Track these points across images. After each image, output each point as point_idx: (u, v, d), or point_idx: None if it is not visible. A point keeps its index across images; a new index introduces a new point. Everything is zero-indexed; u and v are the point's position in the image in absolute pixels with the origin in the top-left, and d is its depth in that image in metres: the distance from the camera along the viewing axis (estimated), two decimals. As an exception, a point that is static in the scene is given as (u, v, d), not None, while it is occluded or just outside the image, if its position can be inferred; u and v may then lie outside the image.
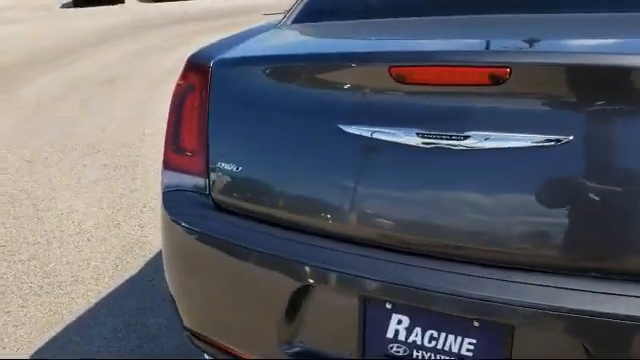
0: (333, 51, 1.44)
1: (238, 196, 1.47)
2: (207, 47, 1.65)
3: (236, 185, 1.47)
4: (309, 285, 1.30)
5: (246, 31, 1.79)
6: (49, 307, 2.58)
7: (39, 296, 2.67)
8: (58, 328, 2.43)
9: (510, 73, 1.10)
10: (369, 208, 1.27)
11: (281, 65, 1.42)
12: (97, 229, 3.31)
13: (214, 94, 1.50)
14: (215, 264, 1.49)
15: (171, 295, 1.69)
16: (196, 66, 1.56)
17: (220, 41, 1.70)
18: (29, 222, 3.44)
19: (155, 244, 3.10)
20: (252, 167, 1.45)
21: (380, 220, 1.25)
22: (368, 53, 1.32)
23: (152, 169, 4.19)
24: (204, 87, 1.52)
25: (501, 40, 1.39)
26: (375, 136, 1.23)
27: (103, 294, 2.65)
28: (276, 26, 1.88)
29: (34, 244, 3.18)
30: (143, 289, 2.67)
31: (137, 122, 5.41)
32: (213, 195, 1.50)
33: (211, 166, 1.50)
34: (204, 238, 1.47)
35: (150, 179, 4.01)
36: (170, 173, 1.60)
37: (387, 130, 1.22)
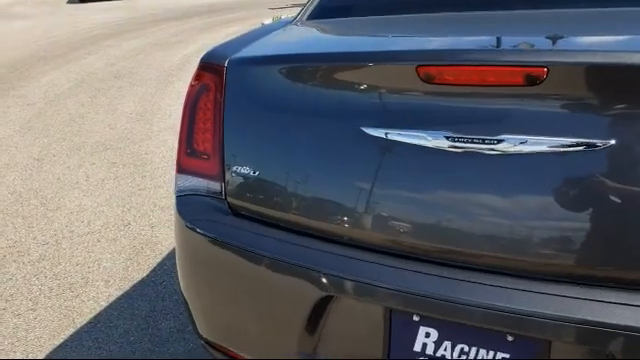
0: (356, 50, 1.37)
1: (255, 201, 1.41)
2: (221, 46, 1.59)
3: (253, 189, 1.41)
4: (332, 295, 1.25)
5: (260, 28, 1.73)
6: (59, 310, 2.54)
7: (49, 298, 2.63)
8: (69, 332, 2.39)
9: (547, 73, 1.04)
10: (394, 215, 1.21)
11: (300, 64, 1.36)
12: (107, 229, 3.26)
13: (229, 94, 1.45)
14: (232, 272, 1.43)
15: (185, 300, 1.64)
16: (210, 66, 1.50)
17: (234, 39, 1.64)
18: (38, 222, 3.40)
19: (165, 244, 3.06)
20: (269, 170, 1.39)
21: (406, 228, 1.19)
22: (394, 52, 1.26)
23: (161, 167, 4.14)
24: (219, 87, 1.46)
25: (534, 38, 1.32)
26: (400, 139, 1.17)
27: (114, 297, 2.61)
28: (291, 23, 1.82)
29: (44, 244, 3.14)
30: (154, 291, 2.62)
31: (145, 119, 5.37)
32: (229, 199, 1.45)
33: (226, 169, 1.44)
34: (220, 245, 1.42)
35: (159, 177, 3.97)
36: (184, 177, 1.54)
37: (413, 133, 1.16)
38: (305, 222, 1.32)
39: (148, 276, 2.77)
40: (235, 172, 1.42)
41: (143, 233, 3.20)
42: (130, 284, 2.70)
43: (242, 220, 1.42)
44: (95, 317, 2.47)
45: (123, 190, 3.80)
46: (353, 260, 1.23)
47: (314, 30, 1.73)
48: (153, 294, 2.60)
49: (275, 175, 1.38)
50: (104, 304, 2.56)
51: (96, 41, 10.09)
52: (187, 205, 1.52)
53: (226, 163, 1.44)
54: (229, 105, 1.44)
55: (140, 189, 3.80)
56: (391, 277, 1.18)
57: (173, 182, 1.59)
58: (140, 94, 6.26)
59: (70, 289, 2.70)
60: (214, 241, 1.43)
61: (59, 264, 2.92)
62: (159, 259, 2.92)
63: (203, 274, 1.53)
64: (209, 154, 1.48)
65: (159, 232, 3.20)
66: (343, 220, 1.26)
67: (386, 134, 1.18)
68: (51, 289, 2.71)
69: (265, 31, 1.66)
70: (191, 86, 1.53)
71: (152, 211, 3.47)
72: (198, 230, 1.45)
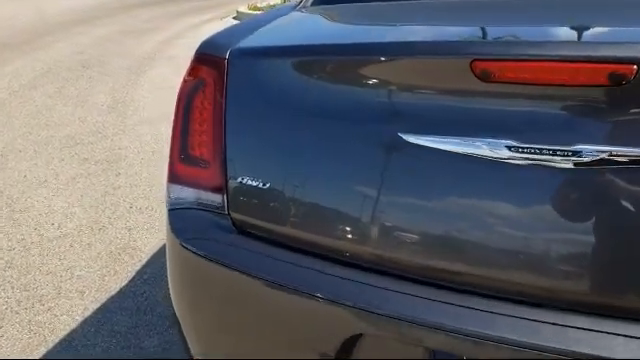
0: (391, 40, 1.16)
1: (264, 216, 1.21)
2: (219, 34, 1.36)
3: (262, 203, 1.21)
4: (361, 334, 1.05)
5: (262, 15, 1.51)
6: (29, 326, 2.29)
7: (17, 313, 2.38)
8: (40, 351, 2.15)
9: (637, 72, 0.85)
10: (439, 239, 1.02)
11: (319, 57, 1.15)
12: (80, 233, 3.01)
13: (232, 91, 1.23)
14: (237, 299, 1.22)
15: (177, 320, 1.42)
16: (208, 58, 1.28)
17: (234, 27, 1.42)
18: (3, 225, 3.12)
19: (145, 250, 2.82)
20: (281, 180, 1.18)
21: (454, 254, 1.00)
22: (442, 43, 1.05)
23: (137, 163, 3.88)
24: (219, 83, 1.25)
25: (616, 27, 1.12)
26: (447, 147, 0.98)
27: (90, 310, 2.37)
28: (295, 8, 1.60)
29: (9, 250, 2.87)
30: (135, 304, 2.39)
31: (118, 111, 5.08)
32: (232, 214, 1.24)
33: (229, 179, 1.23)
34: (223, 268, 1.20)
35: (135, 175, 3.72)
36: (178, 187, 1.32)
37: (465, 141, 0.96)
38: (328, 244, 1.12)
39: (127, 286, 2.53)
40: (240, 182, 1.21)
41: (120, 237, 2.95)
42: (108, 295, 2.46)
43: (248, 239, 1.21)
44: (70, 334, 2.23)
45: (96, 189, 3.53)
46: (389, 292, 1.04)
47: (327, 17, 1.51)
48: (134, 307, 2.37)
49: (289, 186, 1.17)
50: (79, 319, 2.32)
51: (63, 27, 9.64)
52: (182, 220, 1.30)
53: (229, 172, 1.23)
54: (232, 104, 1.23)
55: (115, 188, 3.54)
56: (436, 313, 0.99)
57: (164, 191, 1.37)
58: (111, 84, 5.95)
59: (40, 301, 2.45)
60: (215, 264, 1.21)
61: (28, 273, 2.66)
62: (138, 267, 2.69)
63: (202, 299, 1.31)
64: (208, 161, 1.27)
65: (137, 236, 2.96)
66: (375, 243, 1.06)
67: (430, 143, 0.98)
68: (19, 302, 2.45)
69: (267, 18, 1.44)
70: (185, 82, 1.31)
71: (129, 212, 3.22)
72: (196, 251, 1.24)
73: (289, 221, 1.17)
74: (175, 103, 1.34)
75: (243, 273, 1.16)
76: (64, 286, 2.55)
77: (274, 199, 1.18)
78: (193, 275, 1.29)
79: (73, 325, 2.28)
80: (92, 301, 2.43)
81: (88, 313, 2.35)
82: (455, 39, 1.10)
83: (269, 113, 1.20)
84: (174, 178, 1.33)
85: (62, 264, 2.72)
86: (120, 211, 3.23)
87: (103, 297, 2.45)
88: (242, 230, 1.23)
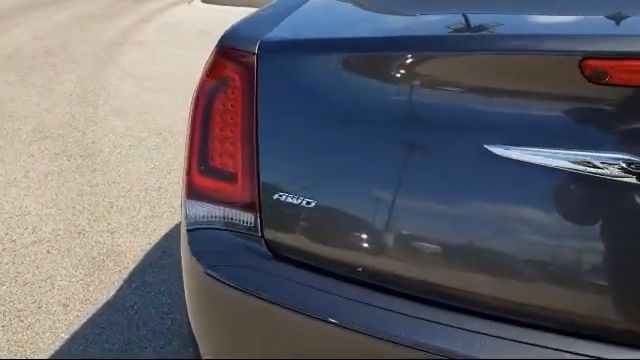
0: (470, 33, 0.99)
1: (306, 240, 1.03)
2: (244, 23, 1.17)
3: (303, 223, 1.03)
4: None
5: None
6: (7, 347, 2.07)
7: (-7, 331, 2.15)
8: (22, 375, 1.94)
9: None
10: (529, 271, 0.87)
11: (375, 54, 0.97)
12: (57, 237, 2.77)
13: (264, 91, 1.05)
14: (273, 335, 1.05)
15: (194, 340, 1.23)
16: (234, 52, 1.09)
17: (259, 13, 1.22)
18: (-30, 229, 2.86)
19: (130, 256, 2.61)
20: (330, 197, 1.01)
21: (554, 290, 0.85)
22: (541, 37, 0.88)
23: (113, 158, 3.64)
24: (248, 82, 1.06)
25: None
26: (547, 162, 0.82)
27: (76, 326, 2.16)
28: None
29: (-21, 258, 2.62)
30: (126, 318, 2.19)
31: (88, 101, 4.78)
32: (267, 237, 1.06)
33: (264, 195, 1.05)
34: (259, 301, 1.03)
35: (112, 171, 3.47)
36: (197, 204, 1.13)
37: (569, 155, 0.81)
38: (385, 272, 0.95)
39: (115, 297, 2.32)
40: (277, 199, 1.03)
41: (102, 241, 2.73)
42: (94, 308, 2.25)
43: (288, 266, 1.04)
44: (55, 355, 2.02)
45: (71, 187, 3.28)
46: (464, 332, 0.88)
47: (371, 4, 1.30)
48: (124, 321, 2.17)
49: (342, 204, 1.00)
50: (65, 336, 2.11)
51: (21, 11, 9.14)
52: (204, 243, 1.12)
53: (263, 186, 1.05)
54: (265, 106, 1.05)
55: (91, 186, 3.30)
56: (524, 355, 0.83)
57: (182, 207, 1.18)
58: (79, 72, 5.62)
59: (19, 317, 2.22)
60: (249, 296, 1.04)
61: (2, 284, 2.42)
62: (125, 274, 2.48)
63: (230, 332, 1.13)
64: (236, 173, 1.08)
65: (121, 239, 2.74)
66: (447, 274, 0.90)
67: (527, 156, 0.82)
68: (-6, 318, 2.23)
69: (297, 1, 1.23)
70: (204, 82, 1.12)
71: (109, 213, 2.99)
72: (225, 281, 1.05)
73: (337, 245, 1.01)
74: (192, 106, 1.15)
75: (287, 308, 0.99)
76: (44, 299, 2.32)
77: (321, 219, 1.01)
78: (221, 306, 1.11)
79: (58, 344, 2.07)
80: (77, 315, 2.21)
81: (74, 329, 2.14)
82: (558, 32, 0.93)
83: (313, 117, 1.02)
84: (193, 193, 1.14)
85: (40, 273, 2.49)
86: (99, 212, 3.00)
87: (89, 310, 2.24)
88: (278, 255, 1.05)
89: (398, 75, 0.94)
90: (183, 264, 1.17)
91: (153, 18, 8.55)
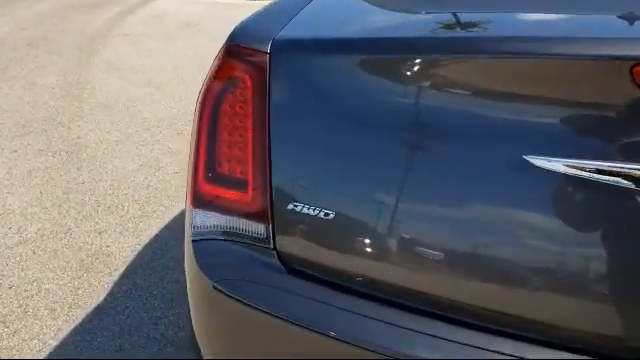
0: (504, 34, 0.92)
1: (324, 253, 0.97)
2: (254, 19, 1.10)
3: (321, 235, 0.96)
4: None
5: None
6: (-7, 354, 1.98)
7: (-23, 338, 2.06)
8: (9, 384, 1.86)
9: None
10: (572, 292, 0.81)
11: (399, 56, 0.90)
12: (43, 237, 2.67)
13: (277, 93, 0.98)
14: (288, 355, 0.98)
15: (196, 345, 1.16)
16: (243, 51, 1.02)
17: (270, 7, 1.14)
18: (-48, 229, 2.75)
19: (120, 257, 2.52)
20: (348, 206, 0.94)
21: (604, 315, 0.79)
22: (587, 40, 0.82)
23: (100, 154, 3.53)
24: (259, 83, 0.99)
25: None
26: (591, 177, 0.76)
27: (65, 332, 2.07)
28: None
29: (-39, 260, 2.52)
30: (117, 323, 2.11)
31: (72, 95, 4.65)
32: (280, 249, 0.99)
33: (277, 204, 0.98)
34: (271, 318, 0.96)
35: (99, 167, 3.37)
36: (203, 213, 1.06)
37: (617, 168, 0.75)
38: (423, 293, 0.89)
39: (105, 301, 2.24)
40: (292, 209, 0.96)
41: (90, 242, 2.64)
42: (83, 313, 2.17)
43: (303, 282, 0.97)
44: (44, 362, 1.94)
45: (56, 185, 3.17)
46: (497, 354, 0.82)
47: (389, 1, 1.22)
48: (116, 327, 2.09)
49: (363, 215, 0.93)
50: (53, 343, 2.02)
51: (4, 1, 8.92)
52: (211, 255, 1.05)
53: (275, 195, 0.98)
54: (278, 108, 0.98)
55: (77, 183, 3.19)
56: None
57: (187, 217, 1.10)
58: (62, 65, 5.47)
59: (4, 323, 2.13)
60: (260, 313, 0.97)
61: (-15, 288, 2.33)
62: (115, 277, 2.39)
63: (240, 346, 1.07)
64: (245, 180, 1.01)
65: (109, 240, 2.65)
66: (481, 295, 0.84)
67: (570, 169, 0.76)
68: (-22, 324, 2.13)
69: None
70: (211, 82, 1.04)
71: (96, 212, 2.89)
72: (235, 296, 0.99)
73: (358, 260, 0.94)
74: (197, 108, 1.07)
75: (303, 327, 0.92)
76: (31, 303, 2.23)
77: (341, 231, 0.94)
78: (230, 322, 1.04)
79: (46, 351, 1.99)
80: (66, 320, 2.13)
81: (63, 336, 2.05)
82: (606, 35, 0.87)
83: (330, 120, 0.95)
84: (199, 201, 1.07)
85: (26, 275, 2.40)
86: (87, 211, 2.90)
87: (78, 315, 2.16)
88: (292, 269, 0.99)
89: (424, 78, 0.87)
90: (187, 275, 1.10)
91: (136, 10, 8.37)
